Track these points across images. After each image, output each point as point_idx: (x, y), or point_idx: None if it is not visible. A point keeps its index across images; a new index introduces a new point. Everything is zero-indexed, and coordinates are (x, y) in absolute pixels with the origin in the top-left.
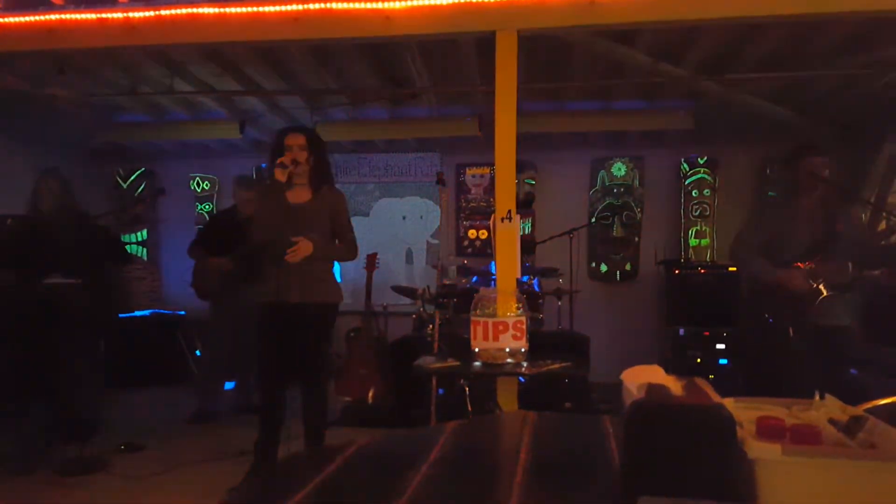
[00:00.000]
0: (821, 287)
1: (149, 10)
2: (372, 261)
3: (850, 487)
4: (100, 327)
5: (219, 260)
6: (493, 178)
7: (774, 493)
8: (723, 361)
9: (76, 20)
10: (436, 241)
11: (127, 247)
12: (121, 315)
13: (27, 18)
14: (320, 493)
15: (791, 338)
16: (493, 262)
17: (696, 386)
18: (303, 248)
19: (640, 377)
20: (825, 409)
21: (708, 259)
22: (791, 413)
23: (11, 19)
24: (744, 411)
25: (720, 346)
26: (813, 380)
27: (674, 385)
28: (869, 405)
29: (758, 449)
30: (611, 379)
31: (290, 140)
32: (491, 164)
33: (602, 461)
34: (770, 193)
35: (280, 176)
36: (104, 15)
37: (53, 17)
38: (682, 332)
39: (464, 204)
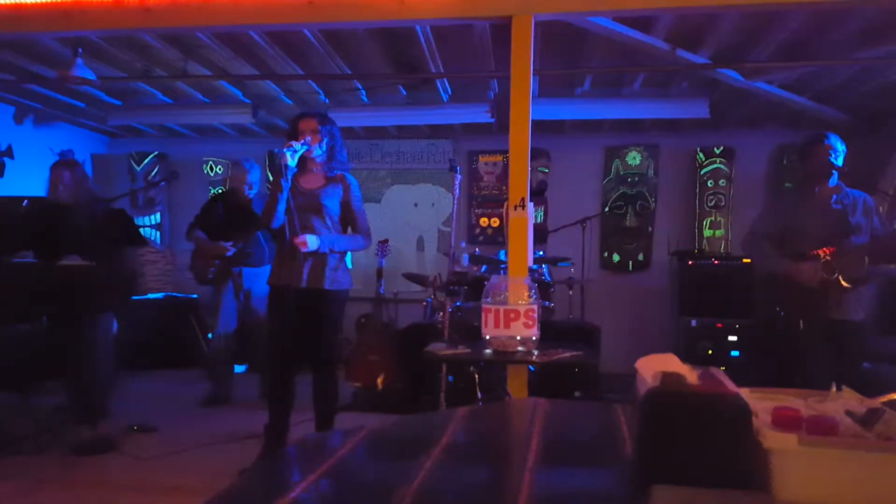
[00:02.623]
0: (840, 279)
1: None
2: (383, 247)
3: (866, 479)
4: (114, 309)
5: (216, 244)
6: (505, 166)
7: (789, 484)
8: (734, 353)
9: (92, 2)
10: (447, 229)
11: (141, 230)
12: (134, 298)
13: (44, 0)
14: (331, 476)
15: (802, 331)
16: (502, 251)
17: (711, 375)
18: (307, 242)
19: (656, 365)
20: (842, 401)
21: (722, 250)
22: (807, 404)
23: (29, 0)
24: (759, 401)
25: (732, 338)
26: (825, 373)
27: (689, 374)
28: (885, 398)
29: (773, 439)
30: (621, 369)
31: (303, 124)
32: (504, 152)
33: (615, 449)
34: (787, 184)
35: (287, 159)
36: None
37: None
38: (694, 323)
39: (476, 191)
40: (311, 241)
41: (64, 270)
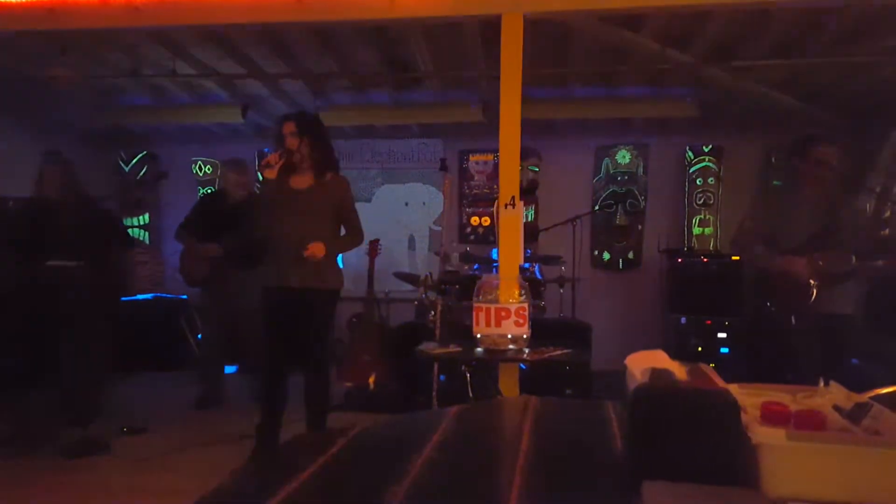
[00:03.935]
0: (827, 274)
1: None
2: (374, 247)
3: (853, 473)
4: (103, 310)
5: (207, 245)
6: (496, 165)
7: (778, 478)
8: (724, 350)
9: (78, 1)
10: (438, 228)
11: (129, 230)
12: (123, 299)
13: None
14: (324, 474)
15: (792, 326)
16: (494, 250)
17: (700, 371)
18: (315, 252)
19: (645, 362)
20: (830, 396)
21: (711, 248)
22: (795, 399)
23: None
24: (748, 397)
25: (721, 335)
26: (814, 369)
27: (678, 370)
28: (872, 393)
29: (762, 434)
30: (612, 367)
31: (284, 128)
32: (494, 151)
33: (605, 446)
34: (775, 182)
35: (269, 174)
36: None
37: None
38: (683, 320)
39: (467, 191)
40: (318, 252)
41: (52, 271)
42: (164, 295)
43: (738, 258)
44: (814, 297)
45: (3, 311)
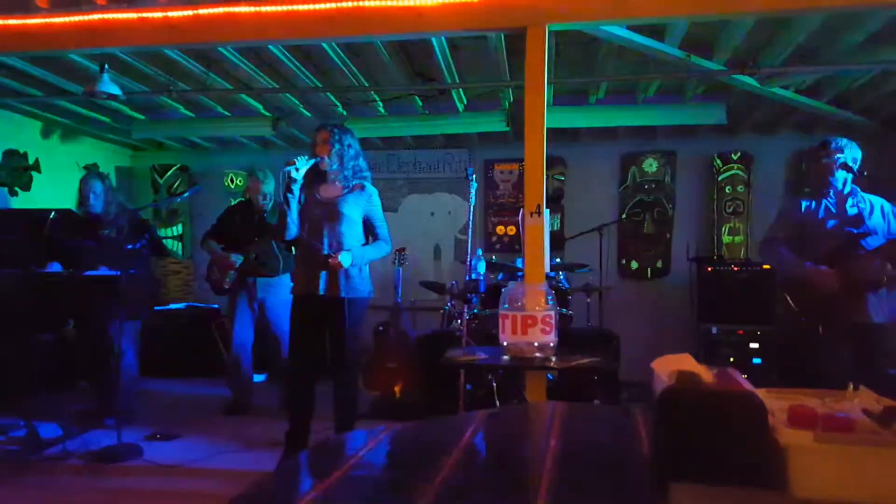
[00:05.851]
0: (857, 282)
1: (188, 10)
2: (400, 256)
3: (882, 475)
4: (139, 318)
5: (225, 255)
6: (521, 175)
7: (806, 481)
8: (756, 361)
9: (118, 20)
10: (464, 237)
11: (164, 241)
12: (157, 308)
13: (71, 18)
14: (353, 474)
15: (822, 335)
16: (518, 259)
17: (727, 374)
18: (340, 262)
19: (671, 365)
20: (859, 400)
21: (742, 256)
22: (824, 403)
23: (56, 19)
24: (775, 401)
25: (754, 345)
26: (848, 379)
27: (705, 374)
28: None
29: (789, 436)
30: (641, 377)
31: (318, 137)
32: (519, 161)
33: (633, 450)
34: (805, 189)
35: (291, 174)
36: (145, 14)
37: (96, 16)
38: (714, 330)
39: (492, 200)
40: (344, 261)
41: (91, 281)
42: (195, 304)
43: (769, 267)
44: (844, 306)
45: (43, 319)
